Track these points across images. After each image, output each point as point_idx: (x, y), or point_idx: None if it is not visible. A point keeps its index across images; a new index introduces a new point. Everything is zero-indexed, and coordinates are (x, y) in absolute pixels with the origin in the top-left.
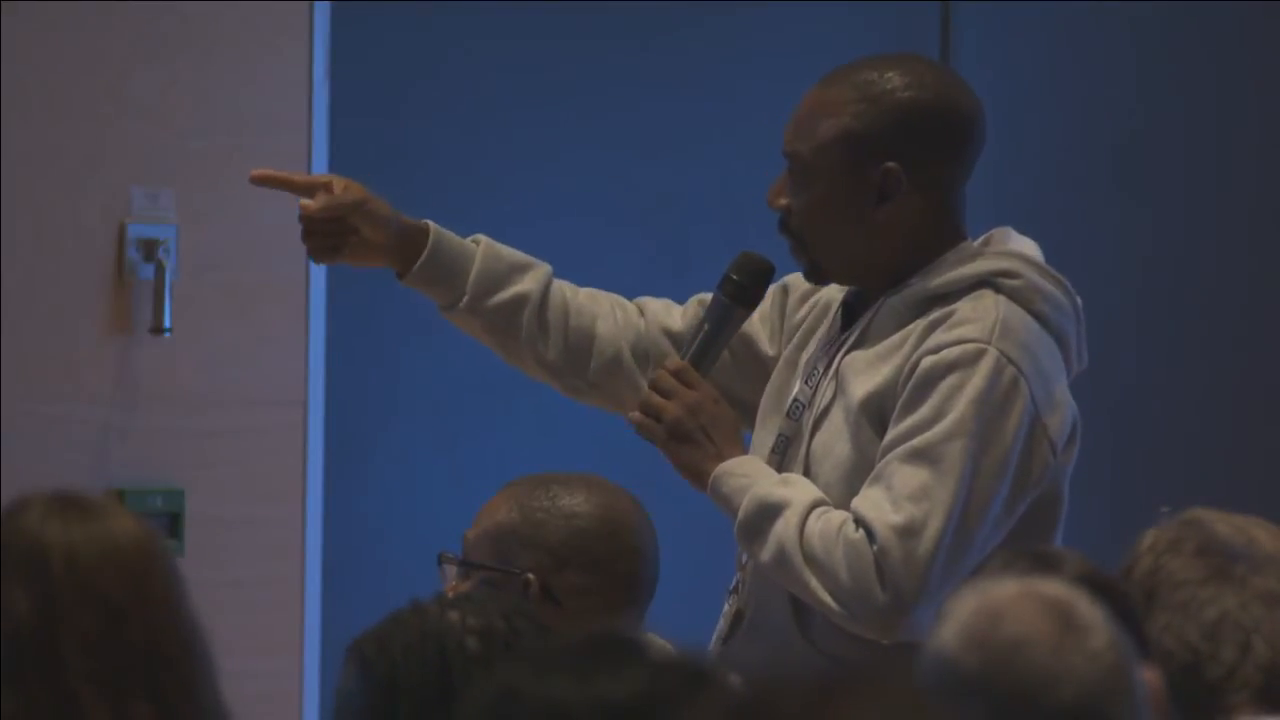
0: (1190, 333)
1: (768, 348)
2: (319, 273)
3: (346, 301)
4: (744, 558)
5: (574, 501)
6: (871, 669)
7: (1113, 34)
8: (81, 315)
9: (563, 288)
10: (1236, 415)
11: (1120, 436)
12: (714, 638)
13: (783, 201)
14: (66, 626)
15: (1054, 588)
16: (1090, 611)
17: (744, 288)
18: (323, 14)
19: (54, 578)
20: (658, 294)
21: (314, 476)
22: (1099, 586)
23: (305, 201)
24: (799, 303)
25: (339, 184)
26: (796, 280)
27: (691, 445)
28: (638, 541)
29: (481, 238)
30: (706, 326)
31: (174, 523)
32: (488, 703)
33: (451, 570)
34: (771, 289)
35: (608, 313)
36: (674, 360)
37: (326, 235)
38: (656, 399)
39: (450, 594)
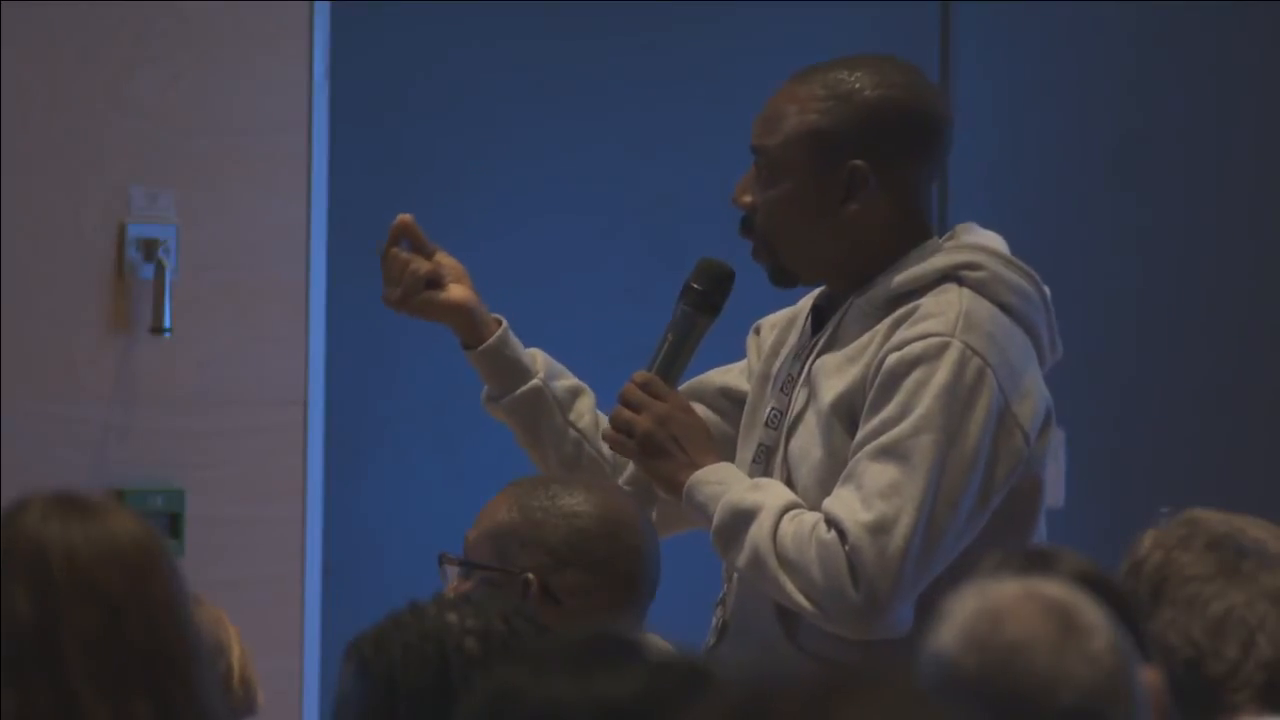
0: (1190, 332)
1: None
2: (319, 273)
3: (346, 301)
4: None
5: (574, 501)
6: (871, 669)
7: (1112, 34)
8: (81, 315)
9: None
10: (1236, 415)
11: (1120, 436)
12: (702, 650)
13: (748, 199)
14: (66, 626)
15: (1055, 589)
16: (1091, 613)
17: (706, 295)
18: (323, 14)
19: (54, 577)
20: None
21: (314, 476)
22: (1097, 585)
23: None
24: (769, 332)
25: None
26: (766, 320)
27: (664, 457)
28: (638, 541)
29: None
30: (671, 337)
31: (174, 523)
32: (486, 703)
33: (453, 571)
34: (747, 339)
35: None
36: (640, 373)
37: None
38: (626, 414)
39: (451, 594)
